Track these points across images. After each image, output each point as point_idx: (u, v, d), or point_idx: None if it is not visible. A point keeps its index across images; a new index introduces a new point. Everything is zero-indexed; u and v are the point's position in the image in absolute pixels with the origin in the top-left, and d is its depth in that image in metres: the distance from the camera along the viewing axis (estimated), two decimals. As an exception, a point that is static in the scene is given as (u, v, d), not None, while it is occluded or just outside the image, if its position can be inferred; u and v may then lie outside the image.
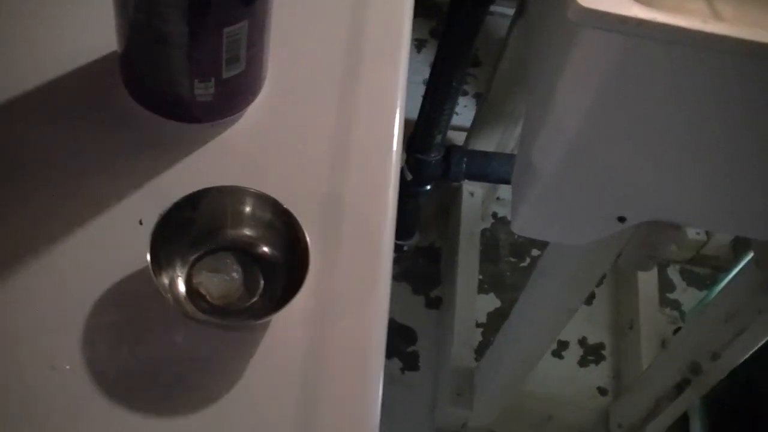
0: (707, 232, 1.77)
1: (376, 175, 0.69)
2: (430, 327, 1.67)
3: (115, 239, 0.63)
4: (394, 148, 0.71)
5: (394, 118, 0.72)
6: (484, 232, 1.77)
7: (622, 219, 1.00)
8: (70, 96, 0.70)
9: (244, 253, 0.62)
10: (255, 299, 0.62)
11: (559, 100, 0.89)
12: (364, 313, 0.63)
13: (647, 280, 1.70)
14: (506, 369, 1.39)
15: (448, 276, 1.69)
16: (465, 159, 1.45)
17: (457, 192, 1.73)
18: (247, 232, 0.62)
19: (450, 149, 1.46)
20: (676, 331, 1.70)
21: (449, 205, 1.76)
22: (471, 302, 1.62)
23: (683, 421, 1.58)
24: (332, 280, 0.64)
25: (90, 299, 0.60)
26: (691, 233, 1.77)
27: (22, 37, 0.72)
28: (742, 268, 1.25)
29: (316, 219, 0.66)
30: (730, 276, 1.32)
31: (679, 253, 1.81)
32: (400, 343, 1.65)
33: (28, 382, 0.57)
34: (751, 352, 1.26)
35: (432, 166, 1.45)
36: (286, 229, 0.60)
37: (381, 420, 1.52)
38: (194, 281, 0.61)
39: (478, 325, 1.66)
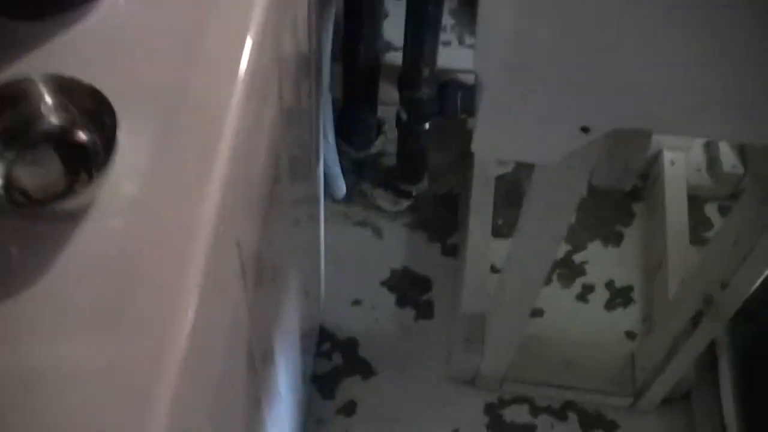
0: (744, 165, 1.66)
1: (223, 69, 0.65)
2: (446, 275, 1.62)
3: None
4: (248, 39, 0.66)
5: (251, 6, 0.68)
6: (505, 176, 1.71)
7: (585, 129, 0.93)
8: None
9: (68, 144, 0.59)
10: (81, 190, 0.58)
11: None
12: (192, 207, 0.59)
13: (677, 217, 1.60)
14: (508, 308, 1.33)
15: (464, 222, 1.63)
16: (459, 93, 1.39)
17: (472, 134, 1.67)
18: (62, 120, 0.59)
19: (443, 84, 1.40)
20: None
21: (466, 149, 1.70)
22: (484, 247, 1.56)
23: (713, 360, 1.48)
24: (163, 173, 0.60)
25: None
26: (727, 167, 1.67)
27: None
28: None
29: (155, 109, 0.62)
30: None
31: (716, 189, 1.71)
32: (415, 292, 1.60)
33: None
34: (761, 277, 1.17)
35: (425, 103, 1.39)
36: (100, 111, 0.57)
37: (395, 370, 1.49)
38: (13, 177, 0.59)
39: (496, 271, 1.60)
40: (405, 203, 1.65)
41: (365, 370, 1.51)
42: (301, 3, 0.85)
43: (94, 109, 0.57)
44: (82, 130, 0.59)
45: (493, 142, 1.00)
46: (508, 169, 1.73)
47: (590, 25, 0.79)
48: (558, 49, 0.82)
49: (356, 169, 1.67)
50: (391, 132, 1.68)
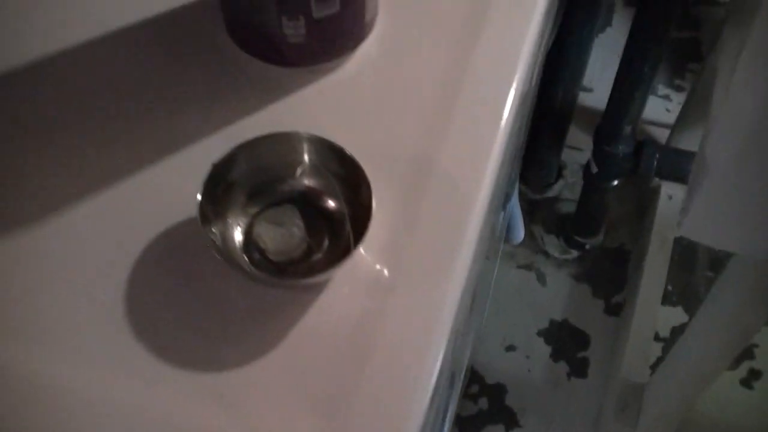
0: None
1: (477, 145, 0.62)
2: (606, 334, 1.55)
3: (187, 179, 0.59)
4: (504, 117, 0.63)
5: (510, 85, 0.64)
6: (681, 240, 1.63)
7: (811, 230, 0.86)
8: (171, 31, 0.67)
9: (313, 207, 0.57)
10: (318, 257, 0.56)
11: (739, 79, 0.78)
12: (435, 291, 0.56)
13: None
14: (674, 388, 1.26)
15: (633, 282, 1.56)
16: (657, 155, 1.33)
17: (655, 193, 1.60)
18: (313, 183, 0.57)
19: (642, 143, 1.34)
20: None
21: (645, 206, 1.63)
22: (652, 312, 1.49)
23: None
24: (409, 249, 0.57)
25: (148, 236, 0.57)
26: None
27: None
28: None
29: (402, 181, 0.59)
30: None
31: None
32: (571, 346, 1.54)
33: (70, 318, 0.55)
34: None
35: (619, 160, 1.33)
36: (353, 181, 0.54)
37: (540, 425, 1.45)
38: (255, 234, 0.57)
39: (659, 339, 1.53)
40: (575, 253, 1.59)
41: (510, 420, 1.46)
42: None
43: (348, 179, 0.55)
44: (332, 197, 0.56)
45: (708, 229, 0.94)
46: (686, 232, 1.65)
47: None
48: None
49: (529, 210, 1.62)
50: (570, 176, 1.62)
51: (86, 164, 0.61)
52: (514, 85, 0.64)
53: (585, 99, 1.69)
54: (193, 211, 0.57)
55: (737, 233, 0.90)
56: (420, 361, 0.53)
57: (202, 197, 0.54)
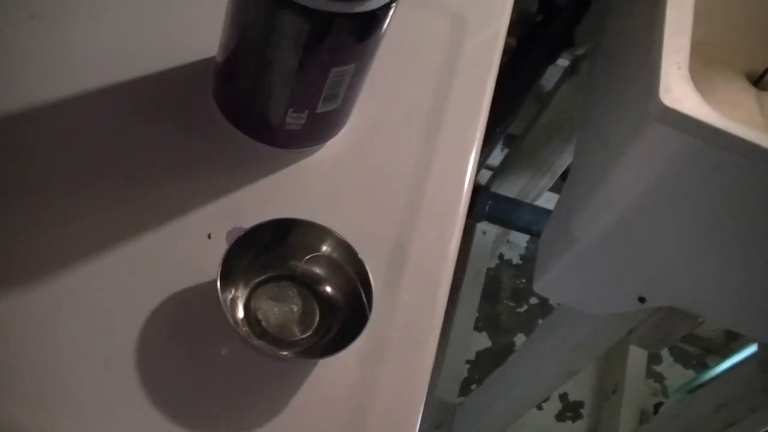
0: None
1: (442, 228, 0.71)
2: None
3: (183, 249, 0.64)
4: (462, 204, 0.72)
5: (465, 174, 0.74)
6: (487, 271, 1.79)
7: (642, 299, 1.02)
8: (157, 95, 0.70)
9: (307, 286, 0.63)
10: (308, 334, 0.62)
11: (613, 181, 0.91)
12: (411, 365, 0.64)
13: (638, 350, 1.72)
14: (493, 414, 1.41)
15: (448, 308, 1.69)
16: (489, 201, 1.47)
17: (471, 229, 1.75)
18: (318, 270, 0.63)
19: (477, 189, 1.47)
20: (657, 405, 1.72)
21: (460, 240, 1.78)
22: (466, 339, 1.63)
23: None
24: (386, 327, 0.65)
25: (150, 305, 0.61)
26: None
27: (127, 25, 0.73)
28: (741, 362, 1.27)
29: (380, 262, 0.67)
30: (727, 366, 1.34)
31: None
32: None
33: (79, 375, 0.58)
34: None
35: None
36: (355, 278, 0.61)
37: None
38: (253, 305, 0.62)
39: (466, 362, 1.68)
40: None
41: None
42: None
43: (349, 271, 0.62)
44: (331, 285, 0.63)
45: (559, 289, 1.07)
46: (492, 264, 1.81)
47: (687, 234, 0.88)
48: (650, 237, 0.91)
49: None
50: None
51: (88, 227, 0.63)
52: (468, 176, 0.74)
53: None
54: (196, 278, 0.62)
55: (588, 295, 1.04)
56: (406, 421, 0.62)
57: (222, 268, 0.58)
